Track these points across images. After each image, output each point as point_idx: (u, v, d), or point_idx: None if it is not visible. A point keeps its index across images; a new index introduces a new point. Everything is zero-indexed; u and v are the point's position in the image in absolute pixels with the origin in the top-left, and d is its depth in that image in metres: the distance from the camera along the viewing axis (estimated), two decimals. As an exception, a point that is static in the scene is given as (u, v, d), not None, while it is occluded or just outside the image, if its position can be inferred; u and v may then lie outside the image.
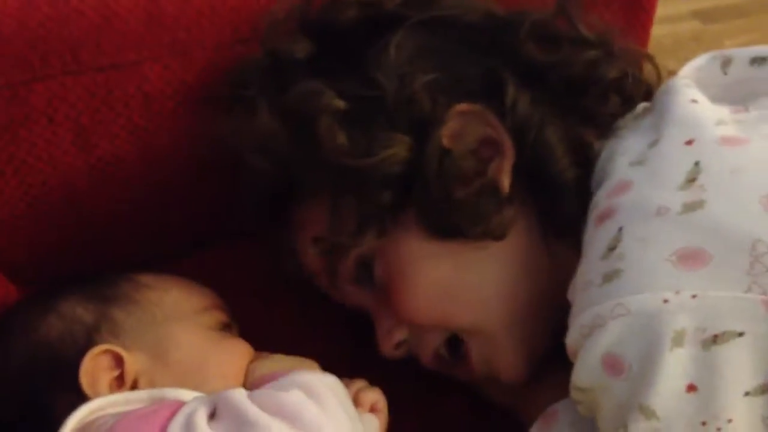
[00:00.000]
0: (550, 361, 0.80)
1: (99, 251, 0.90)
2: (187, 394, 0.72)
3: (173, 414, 0.68)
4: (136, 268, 0.84)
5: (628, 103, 0.79)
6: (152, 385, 0.75)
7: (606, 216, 0.69)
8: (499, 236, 0.75)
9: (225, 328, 0.82)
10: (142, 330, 0.78)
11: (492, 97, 0.77)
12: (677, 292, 0.63)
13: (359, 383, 0.79)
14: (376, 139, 0.75)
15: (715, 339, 0.62)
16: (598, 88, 0.78)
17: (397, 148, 0.75)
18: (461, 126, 0.76)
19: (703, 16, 1.58)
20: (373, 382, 0.81)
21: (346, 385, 0.76)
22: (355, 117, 0.76)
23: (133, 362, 0.76)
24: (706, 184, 0.66)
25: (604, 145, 0.76)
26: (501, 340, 0.78)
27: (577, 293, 0.69)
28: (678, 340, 0.62)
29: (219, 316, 0.82)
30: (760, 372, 0.61)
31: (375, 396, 0.77)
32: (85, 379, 0.74)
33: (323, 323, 0.90)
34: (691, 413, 0.62)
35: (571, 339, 0.68)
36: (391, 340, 0.81)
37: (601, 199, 0.71)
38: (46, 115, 0.82)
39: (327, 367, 0.79)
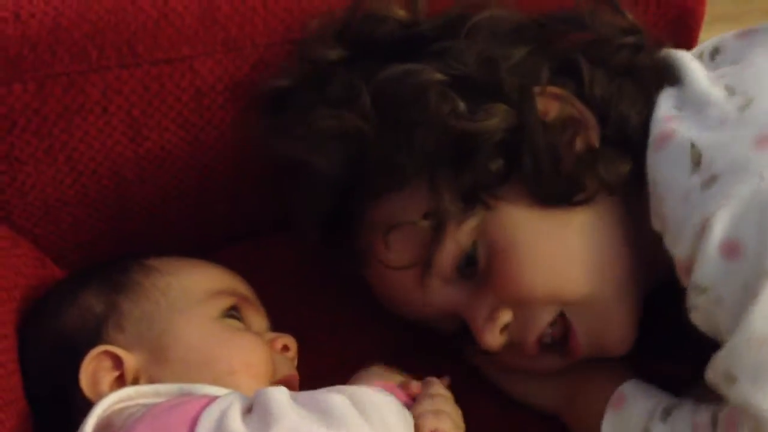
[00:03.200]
0: (594, 360, 0.82)
1: (141, 240, 0.92)
2: (217, 390, 0.72)
3: (206, 404, 0.68)
4: (153, 253, 0.84)
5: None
6: (153, 382, 0.74)
7: (667, 136, 0.75)
8: (614, 188, 0.77)
9: (231, 311, 0.80)
10: (146, 323, 0.77)
11: (568, 79, 0.80)
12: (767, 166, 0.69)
13: (434, 404, 0.75)
14: (483, 107, 0.76)
15: None
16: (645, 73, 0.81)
17: (505, 115, 0.76)
18: (550, 108, 0.78)
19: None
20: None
21: (421, 400, 0.74)
22: (456, 90, 0.77)
23: (133, 362, 0.76)
24: (745, 89, 0.75)
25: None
26: (613, 308, 0.79)
27: (676, 209, 0.72)
28: None
29: (229, 301, 0.81)
30: None
31: (437, 424, 0.73)
32: (85, 381, 0.75)
33: (358, 321, 0.91)
34: None
35: (682, 250, 0.72)
36: (496, 324, 0.78)
37: (656, 124, 0.76)
38: (101, 105, 0.84)
39: (353, 369, 0.81)
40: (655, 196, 0.75)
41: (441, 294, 0.80)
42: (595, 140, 0.78)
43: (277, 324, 0.86)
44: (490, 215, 0.77)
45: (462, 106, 0.76)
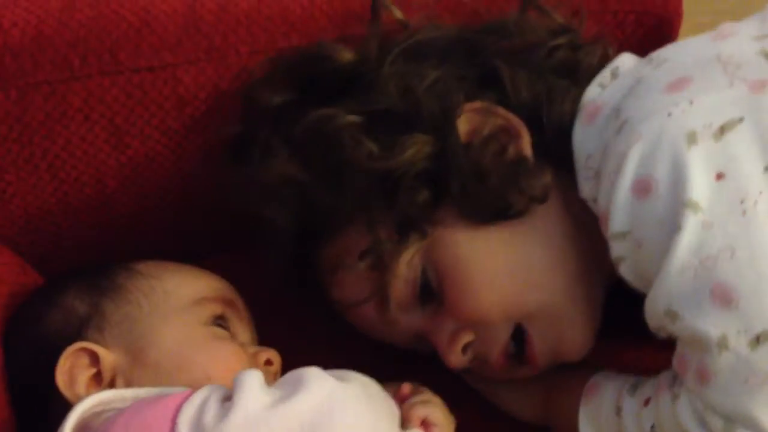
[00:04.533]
0: (573, 367, 0.83)
1: (124, 248, 0.91)
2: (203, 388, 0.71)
3: (186, 397, 0.68)
4: (139, 258, 0.84)
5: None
6: (129, 384, 0.74)
7: (595, 111, 0.77)
8: (542, 199, 0.78)
9: (217, 319, 0.80)
10: (127, 325, 0.77)
11: (493, 89, 0.80)
12: (676, 104, 0.71)
13: (420, 396, 0.77)
14: (399, 142, 0.77)
15: (722, 130, 0.69)
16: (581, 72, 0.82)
17: (422, 145, 0.77)
18: (473, 124, 0.79)
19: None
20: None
21: (403, 395, 0.76)
22: (371, 128, 0.78)
23: (111, 360, 0.75)
24: (661, 53, 0.79)
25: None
26: (567, 314, 0.79)
27: (598, 162, 0.74)
28: (691, 139, 0.70)
29: (214, 309, 0.81)
30: (766, 148, 0.69)
31: (427, 411, 0.75)
32: (61, 378, 0.74)
33: (343, 334, 0.91)
34: (728, 196, 0.68)
35: (602, 199, 0.73)
36: (457, 344, 0.79)
37: (584, 105, 0.78)
38: (83, 113, 0.84)
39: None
40: (583, 168, 0.76)
41: (403, 322, 0.81)
42: (526, 147, 0.78)
43: (261, 335, 0.86)
44: (432, 241, 0.78)
45: (374, 146, 0.77)
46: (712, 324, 0.67)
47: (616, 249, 0.73)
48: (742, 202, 0.68)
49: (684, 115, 0.71)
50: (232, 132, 0.85)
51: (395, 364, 0.86)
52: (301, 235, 0.81)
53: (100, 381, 0.75)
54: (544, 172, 0.78)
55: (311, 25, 0.86)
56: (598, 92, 0.79)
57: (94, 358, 0.75)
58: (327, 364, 0.85)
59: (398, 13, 0.85)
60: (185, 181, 0.90)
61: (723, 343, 0.67)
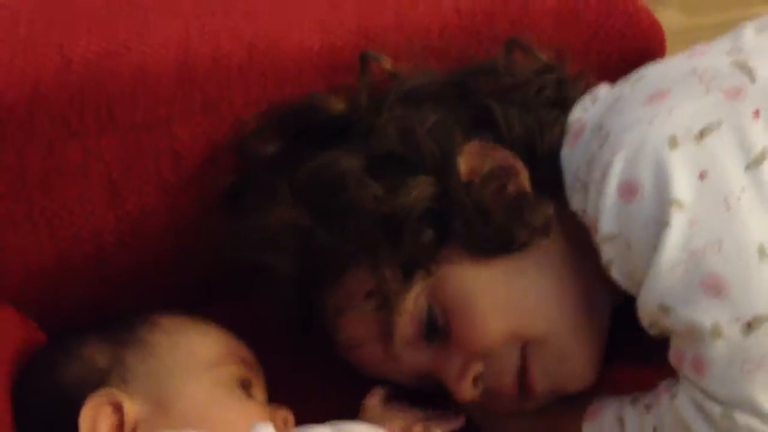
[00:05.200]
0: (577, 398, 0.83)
1: (123, 301, 0.91)
2: None
3: None
4: (158, 310, 0.85)
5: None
6: None
7: (579, 131, 0.80)
8: (545, 231, 0.79)
9: (243, 384, 0.81)
10: (151, 379, 0.78)
11: (487, 128, 0.82)
12: (657, 114, 0.74)
13: None
14: (402, 183, 0.79)
15: (702, 134, 0.73)
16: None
17: (425, 185, 0.79)
18: (471, 164, 0.81)
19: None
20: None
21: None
22: (373, 172, 0.80)
23: (133, 410, 0.76)
24: (639, 72, 0.82)
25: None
26: (570, 343, 0.80)
27: (584, 174, 0.76)
28: (673, 143, 0.73)
29: (237, 371, 0.81)
30: (745, 148, 0.72)
31: None
32: (84, 426, 0.75)
33: (344, 376, 0.91)
34: (712, 193, 0.71)
35: (590, 208, 0.76)
36: (467, 376, 0.80)
37: (569, 128, 0.81)
38: (81, 169, 0.85)
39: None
40: (573, 181, 0.78)
41: (409, 360, 0.82)
42: (525, 182, 0.81)
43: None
44: (436, 278, 0.79)
45: (378, 189, 0.79)
46: (704, 313, 0.69)
47: (606, 252, 0.75)
48: (725, 198, 0.71)
49: (664, 122, 0.74)
50: (228, 182, 0.86)
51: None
52: (303, 281, 0.82)
53: (121, 431, 0.75)
54: (545, 204, 0.80)
55: (303, 76, 0.88)
56: (579, 114, 0.82)
57: (117, 408, 0.76)
58: (333, 412, 0.87)
59: (387, 64, 0.87)
60: (182, 235, 0.90)
61: (716, 332, 0.69)
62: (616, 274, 0.75)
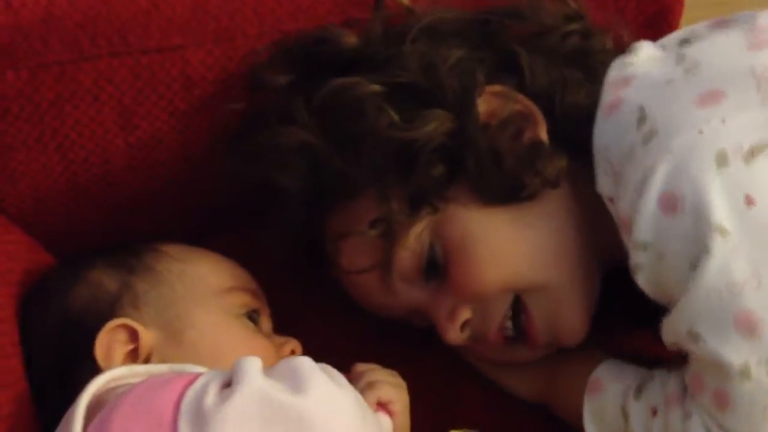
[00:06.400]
0: (574, 353, 0.84)
1: (132, 227, 0.93)
2: (205, 370, 0.72)
3: (191, 382, 0.69)
4: (164, 239, 0.85)
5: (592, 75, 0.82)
6: (164, 362, 0.75)
7: (617, 104, 0.76)
8: (555, 183, 0.79)
9: (251, 314, 0.82)
10: (162, 306, 0.79)
11: (511, 73, 0.81)
12: (708, 121, 0.70)
13: (367, 377, 0.77)
14: (420, 115, 0.78)
15: (752, 152, 0.69)
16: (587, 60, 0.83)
17: (443, 120, 0.78)
18: (492, 106, 0.80)
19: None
20: (383, 359, 0.81)
21: (357, 378, 0.77)
22: (392, 99, 0.79)
23: (148, 338, 0.77)
24: (694, 55, 0.76)
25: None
26: (566, 296, 0.80)
27: (622, 165, 0.73)
28: (721, 160, 0.69)
29: (245, 300, 0.82)
30: None
31: (379, 393, 0.76)
32: (99, 351, 0.76)
33: (346, 311, 0.91)
34: (757, 223, 0.68)
35: (624, 205, 0.73)
36: (456, 320, 0.81)
37: (606, 94, 0.77)
38: (92, 93, 0.84)
39: (342, 355, 0.80)
40: (602, 160, 0.76)
41: (404, 294, 0.82)
42: (542, 133, 0.80)
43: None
44: (442, 217, 0.79)
45: (396, 116, 0.78)
46: (735, 352, 0.68)
47: (637, 257, 0.73)
48: None
49: (715, 134, 0.70)
50: (243, 107, 0.86)
51: (398, 341, 0.89)
52: (311, 202, 0.82)
53: (136, 357, 0.76)
54: (559, 157, 0.79)
55: (317, 8, 0.87)
56: (617, 82, 0.78)
57: (133, 335, 0.77)
58: (329, 342, 0.88)
59: None
60: (192, 162, 0.91)
61: (745, 373, 0.68)
62: (642, 280, 0.73)
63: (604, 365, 0.83)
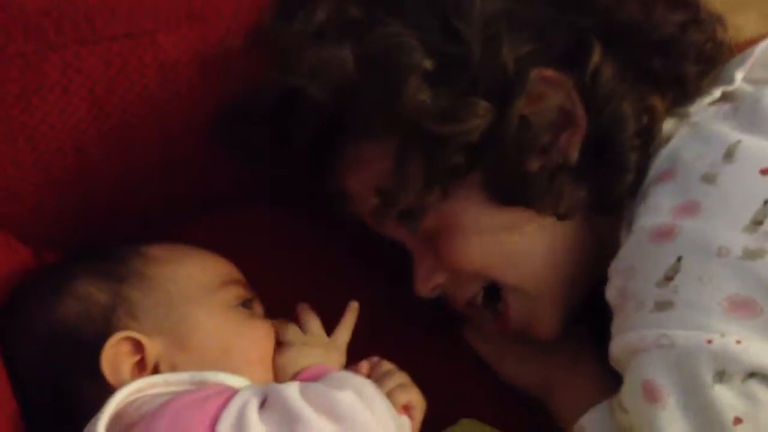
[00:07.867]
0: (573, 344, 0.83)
1: (108, 217, 0.89)
2: (229, 379, 0.73)
3: (225, 403, 0.68)
4: (145, 240, 0.82)
5: (705, 69, 0.78)
6: (173, 370, 0.74)
7: (667, 235, 0.70)
8: (563, 216, 0.76)
9: (245, 303, 0.81)
10: (162, 312, 0.76)
11: (576, 64, 0.75)
12: (723, 335, 0.66)
13: (396, 379, 0.78)
14: (459, 103, 0.74)
15: (753, 375, 0.66)
16: (682, 52, 0.77)
17: (479, 118, 0.74)
18: (542, 92, 0.75)
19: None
20: (388, 352, 0.81)
21: (382, 379, 0.76)
22: (439, 76, 0.75)
23: (154, 347, 0.75)
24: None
25: (676, 130, 0.76)
26: (541, 301, 0.80)
27: (632, 297, 0.71)
28: (719, 378, 0.66)
29: (238, 292, 0.81)
30: None
31: (408, 397, 0.77)
32: (106, 367, 0.74)
33: (337, 289, 0.89)
34: None
35: (615, 349, 0.72)
36: (429, 283, 0.82)
37: (664, 211, 0.71)
38: (61, 85, 0.80)
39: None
40: (620, 273, 0.73)
41: (394, 234, 0.83)
42: (576, 144, 0.75)
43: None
44: (448, 199, 0.78)
45: (429, 104, 0.74)
46: None
47: (618, 414, 0.72)
48: None
49: (724, 352, 0.66)
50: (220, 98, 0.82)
51: (392, 321, 0.88)
52: (330, 122, 0.79)
53: (143, 368, 0.75)
54: (579, 189, 0.75)
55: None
56: (681, 194, 0.72)
57: (137, 346, 0.75)
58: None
59: None
60: (170, 146, 0.87)
61: None
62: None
63: (590, 415, 0.77)
